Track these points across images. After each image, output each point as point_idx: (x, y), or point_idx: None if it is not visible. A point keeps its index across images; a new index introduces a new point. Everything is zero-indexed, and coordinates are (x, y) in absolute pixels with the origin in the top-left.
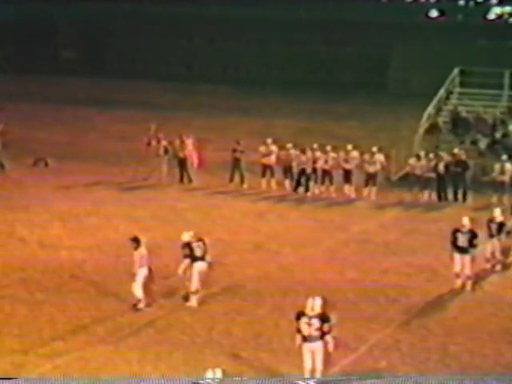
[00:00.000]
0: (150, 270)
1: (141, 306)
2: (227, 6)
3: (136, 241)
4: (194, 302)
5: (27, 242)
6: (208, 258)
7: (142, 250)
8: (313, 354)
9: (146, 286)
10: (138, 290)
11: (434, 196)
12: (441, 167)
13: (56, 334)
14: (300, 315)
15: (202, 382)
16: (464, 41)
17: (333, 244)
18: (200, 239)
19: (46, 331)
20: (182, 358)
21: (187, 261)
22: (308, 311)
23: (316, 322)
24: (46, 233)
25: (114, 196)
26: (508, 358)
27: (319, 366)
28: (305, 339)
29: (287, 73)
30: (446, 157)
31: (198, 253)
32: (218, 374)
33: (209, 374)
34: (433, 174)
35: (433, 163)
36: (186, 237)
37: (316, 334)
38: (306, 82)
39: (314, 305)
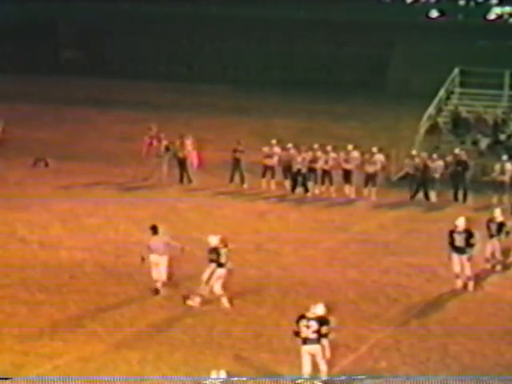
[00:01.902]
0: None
1: (158, 285)
2: (227, 5)
3: (153, 229)
4: (194, 302)
5: (27, 242)
6: (229, 264)
7: (158, 238)
8: (313, 357)
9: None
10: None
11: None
12: (420, 167)
13: (56, 334)
14: (300, 318)
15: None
16: (464, 41)
17: (333, 244)
18: (226, 245)
19: (46, 331)
20: (182, 358)
21: (213, 265)
22: (308, 314)
23: (314, 325)
24: (46, 233)
25: (114, 196)
26: (508, 358)
27: (323, 367)
28: (304, 342)
29: (287, 73)
30: (426, 159)
31: (223, 259)
32: (223, 375)
33: (213, 375)
34: (437, 174)
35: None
36: (214, 241)
37: (313, 336)
38: (306, 82)
39: (316, 308)
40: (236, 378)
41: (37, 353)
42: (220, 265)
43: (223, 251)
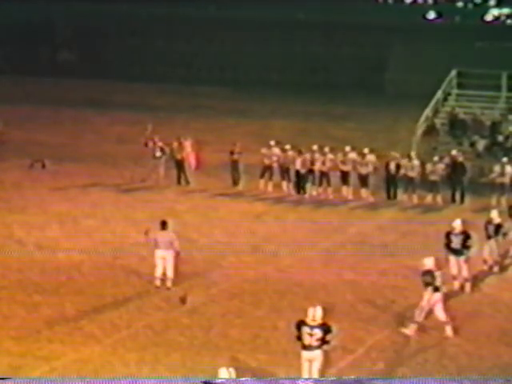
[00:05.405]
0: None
1: (168, 284)
2: (226, 6)
3: (162, 223)
4: (410, 330)
5: (24, 244)
6: (443, 288)
7: (164, 233)
8: (310, 363)
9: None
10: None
11: (439, 199)
12: (392, 167)
13: (53, 335)
14: (301, 324)
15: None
16: (462, 42)
17: (330, 246)
18: (440, 267)
19: (43, 333)
20: (179, 359)
21: (430, 290)
22: (309, 321)
23: (318, 333)
24: (43, 234)
25: (112, 198)
26: (505, 359)
27: (315, 375)
28: (304, 348)
29: (285, 74)
30: (399, 158)
31: (438, 282)
32: (232, 372)
33: (223, 372)
34: (436, 177)
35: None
36: (429, 263)
37: (316, 343)
38: (304, 83)
39: (316, 314)
40: (234, 379)
41: (34, 355)
42: (436, 288)
43: (438, 274)
